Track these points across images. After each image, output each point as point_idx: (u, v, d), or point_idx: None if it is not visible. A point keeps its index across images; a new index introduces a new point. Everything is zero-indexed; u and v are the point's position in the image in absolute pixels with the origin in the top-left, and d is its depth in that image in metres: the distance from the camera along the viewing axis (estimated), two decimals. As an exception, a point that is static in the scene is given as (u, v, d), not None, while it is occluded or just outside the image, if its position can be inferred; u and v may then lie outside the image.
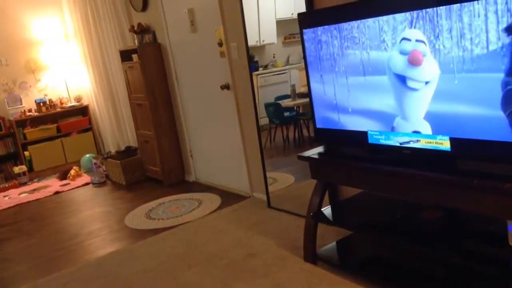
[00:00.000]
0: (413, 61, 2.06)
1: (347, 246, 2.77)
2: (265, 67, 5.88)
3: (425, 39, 1.98)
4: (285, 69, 5.74)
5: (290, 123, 5.36)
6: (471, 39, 1.81)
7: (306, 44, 2.60)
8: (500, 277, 2.12)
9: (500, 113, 1.78)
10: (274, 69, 5.80)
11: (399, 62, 2.11)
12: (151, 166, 5.01)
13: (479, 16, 1.76)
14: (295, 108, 5.33)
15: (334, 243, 2.79)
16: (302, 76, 6.39)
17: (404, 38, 2.06)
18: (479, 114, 1.86)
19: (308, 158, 2.62)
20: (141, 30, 4.77)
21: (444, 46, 1.91)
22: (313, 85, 2.64)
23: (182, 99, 4.72)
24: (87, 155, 5.88)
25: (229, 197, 4.11)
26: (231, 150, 4.18)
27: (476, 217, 2.21)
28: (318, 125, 2.67)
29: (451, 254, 2.02)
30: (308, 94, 2.71)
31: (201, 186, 4.64)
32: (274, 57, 6.19)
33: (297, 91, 5.62)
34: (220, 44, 3.94)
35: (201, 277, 2.73)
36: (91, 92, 6.40)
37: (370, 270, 2.45)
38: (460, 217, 2.26)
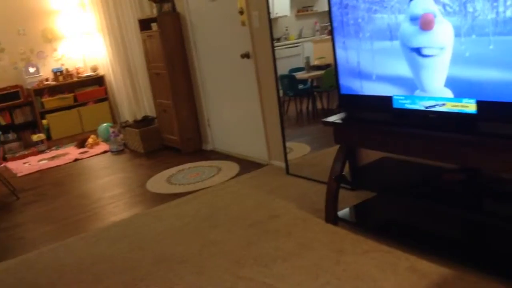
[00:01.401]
0: (425, 26, 2.10)
1: (366, 209, 2.86)
2: (278, 40, 5.88)
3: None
4: (299, 42, 5.76)
5: (304, 96, 5.41)
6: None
7: (333, 9, 2.63)
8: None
9: (528, 75, 1.83)
10: (288, 41, 5.82)
11: (410, 29, 2.15)
12: (169, 135, 5.10)
13: (511, -21, 1.79)
14: (309, 80, 5.37)
15: (353, 206, 2.88)
16: (316, 48, 6.41)
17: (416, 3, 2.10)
18: (503, 76, 1.91)
19: (333, 123, 2.68)
20: (160, -1, 4.79)
21: (456, 8, 1.95)
22: (338, 51, 2.68)
23: (201, 68, 4.77)
24: (104, 124, 5.97)
25: (247, 165, 4.20)
26: (249, 119, 4.25)
27: (499, 178, 2.28)
28: (343, 91, 2.73)
29: (474, 212, 2.10)
30: (334, 61, 2.75)
31: (219, 154, 4.73)
32: (287, 30, 6.18)
33: (310, 64, 5.65)
34: (241, 13, 3.96)
35: (226, 236, 2.83)
36: (108, 62, 6.45)
37: (389, 229, 2.54)
38: (482, 178, 2.33)
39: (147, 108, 5.81)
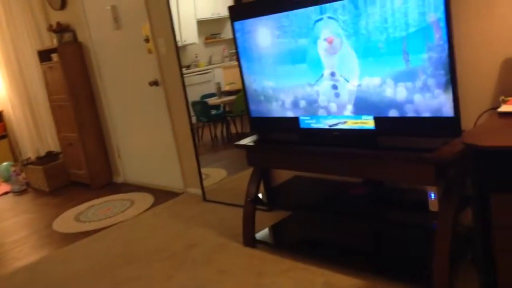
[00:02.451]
0: (330, 50, 2.22)
1: (282, 228, 2.90)
2: (188, 67, 5.91)
3: (339, 30, 2.15)
4: (208, 69, 5.81)
5: (217, 121, 5.44)
6: (382, 28, 2.01)
7: (237, 35, 2.69)
8: (423, 240, 2.36)
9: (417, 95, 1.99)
10: (197, 68, 5.85)
11: (317, 50, 2.27)
12: (76, 169, 4.84)
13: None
14: (222, 106, 5.42)
15: (270, 227, 2.91)
16: (226, 74, 6.52)
17: (319, 27, 2.22)
18: (396, 93, 2.06)
19: (245, 146, 2.71)
20: (61, 29, 4.61)
21: (357, 35, 2.10)
22: (245, 76, 2.74)
23: (108, 98, 4.61)
24: (4, 164, 5.52)
25: (162, 195, 4.09)
26: (162, 147, 4.17)
27: (399, 189, 2.43)
28: (253, 115, 2.78)
29: (379, 223, 2.21)
30: (242, 86, 2.80)
31: (131, 186, 4.57)
32: (196, 57, 6.23)
33: (222, 89, 5.72)
34: (147, 40, 3.92)
35: (142, 271, 2.71)
36: (5, 96, 6.02)
37: (305, 247, 2.60)
38: (385, 190, 2.47)
39: (51, 143, 5.48)
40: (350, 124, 2.30)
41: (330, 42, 2.24)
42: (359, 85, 2.19)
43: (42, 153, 5.47)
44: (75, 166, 4.83)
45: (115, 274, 2.75)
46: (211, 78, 5.93)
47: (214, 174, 4.12)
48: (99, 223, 3.67)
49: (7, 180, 5.35)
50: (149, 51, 3.93)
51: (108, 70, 4.49)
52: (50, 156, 5.07)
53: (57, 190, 4.87)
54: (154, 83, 3.96)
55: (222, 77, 5.92)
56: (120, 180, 4.76)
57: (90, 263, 2.95)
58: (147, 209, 3.79)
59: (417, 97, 2.01)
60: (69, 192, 4.72)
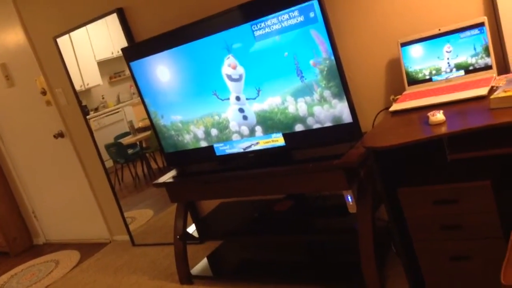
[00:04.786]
0: (233, 75, 2.29)
1: (217, 258, 2.89)
2: (96, 109, 5.75)
3: (238, 57, 2.23)
4: (118, 108, 5.69)
5: (136, 160, 5.32)
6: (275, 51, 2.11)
7: (136, 76, 2.68)
8: (352, 242, 2.46)
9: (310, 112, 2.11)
10: (106, 109, 5.70)
11: (220, 77, 2.33)
12: (-10, 239, 4.48)
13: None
14: (138, 143, 5.32)
15: (205, 259, 2.89)
16: (137, 111, 6.41)
17: (220, 55, 2.29)
18: (297, 108, 2.16)
19: (164, 184, 2.68)
20: None
21: (254, 61, 2.18)
22: (152, 114, 2.72)
23: (12, 158, 4.34)
24: None
25: (88, 248, 3.91)
26: (80, 199, 3.99)
27: (321, 196, 2.53)
28: (167, 150, 2.76)
29: (307, 234, 2.28)
30: (150, 124, 2.78)
31: (54, 245, 4.31)
32: (103, 98, 6.08)
33: (135, 127, 5.61)
34: (44, 93, 3.76)
35: (78, 334, 2.57)
36: None
37: (243, 272, 2.60)
38: (308, 200, 2.56)
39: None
40: (262, 144, 2.37)
41: (234, 68, 2.30)
42: (264, 106, 2.27)
43: None
44: (-12, 236, 4.47)
45: None
46: (122, 117, 5.80)
47: (140, 215, 4.01)
48: (24, 292, 3.42)
49: None
50: (48, 103, 3.78)
51: (9, 129, 4.24)
52: (-43, 230, 4.65)
53: (-29, 266, 4.46)
54: (59, 135, 3.80)
55: (133, 114, 5.82)
56: (41, 241, 4.48)
57: (19, 339, 2.73)
58: (74, 267, 3.60)
59: (317, 109, 2.12)
60: (-15, 265, 4.35)
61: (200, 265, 2.82)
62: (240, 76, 2.28)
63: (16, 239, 4.42)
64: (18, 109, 4.03)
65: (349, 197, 2.18)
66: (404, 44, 2.03)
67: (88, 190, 3.86)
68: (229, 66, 2.29)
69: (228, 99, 2.37)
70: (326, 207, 2.44)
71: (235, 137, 2.44)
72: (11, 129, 4.21)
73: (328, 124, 2.12)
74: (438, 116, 1.60)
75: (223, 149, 2.52)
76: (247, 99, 2.31)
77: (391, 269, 2.21)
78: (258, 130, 2.34)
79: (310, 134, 2.18)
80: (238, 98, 2.34)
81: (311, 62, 2.06)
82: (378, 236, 2.02)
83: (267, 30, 2.11)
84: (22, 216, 4.50)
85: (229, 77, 2.32)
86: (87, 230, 4.06)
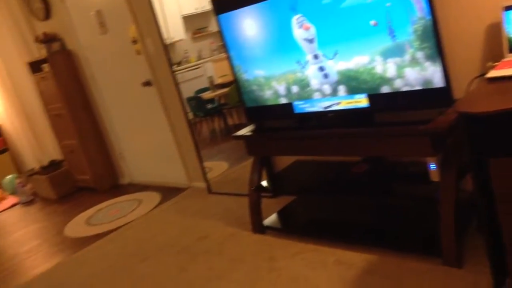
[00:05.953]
0: (309, 36, 2.26)
1: (288, 213, 2.95)
2: (179, 63, 5.91)
3: (319, 14, 2.18)
4: (199, 63, 5.82)
5: (214, 114, 5.47)
6: (365, 7, 2.04)
7: (224, 29, 2.72)
8: (429, 211, 2.41)
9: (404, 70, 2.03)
10: (189, 64, 5.86)
11: (297, 37, 2.30)
12: (81, 175, 4.89)
13: None
14: (216, 99, 5.45)
15: (276, 213, 2.97)
16: (217, 67, 6.51)
17: (296, 14, 2.25)
18: (386, 69, 2.10)
19: (243, 137, 2.76)
20: (48, 39, 4.61)
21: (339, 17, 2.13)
22: (236, 68, 2.77)
23: (104, 102, 4.65)
24: (9, 176, 5.58)
25: (168, 192, 4.15)
26: (163, 145, 4.21)
27: (400, 162, 2.48)
28: (248, 105, 2.81)
29: (383, 198, 2.26)
30: (234, 78, 2.83)
31: (137, 186, 4.62)
32: (186, 53, 6.23)
33: (215, 83, 5.74)
34: (135, 42, 3.94)
35: (157, 267, 2.78)
36: (1, 110, 6.05)
37: (313, 229, 2.65)
38: (386, 165, 2.52)
39: (52, 151, 5.52)
40: (344, 104, 2.34)
41: (307, 28, 2.27)
42: (349, 65, 2.22)
43: (45, 162, 5.52)
44: (80, 172, 4.88)
45: (131, 272, 2.81)
46: (202, 73, 5.95)
47: (216, 167, 4.17)
48: (110, 224, 3.73)
49: (13, 192, 5.41)
50: (138, 52, 3.95)
51: (101, 75, 4.51)
52: (54, 164, 5.12)
53: (65, 197, 4.93)
54: (147, 84, 3.99)
55: (214, 70, 5.94)
56: (126, 181, 4.82)
57: (105, 264, 3.01)
58: (155, 207, 3.85)
59: (407, 71, 2.05)
60: (77, 198, 4.78)
61: (272, 218, 2.91)
62: (314, 35, 2.24)
63: (103, 177, 4.79)
64: (110, 56, 4.26)
65: (432, 165, 2.12)
66: (508, 8, 1.88)
67: (171, 137, 4.06)
68: (302, 27, 2.26)
69: (307, 59, 2.36)
70: (404, 173, 2.39)
71: (316, 95, 2.43)
72: (103, 75, 4.48)
73: (418, 87, 2.04)
74: (543, 85, 1.49)
75: (302, 107, 2.52)
76: (329, 58, 2.27)
77: (469, 243, 2.15)
78: (341, 89, 2.32)
79: (397, 97, 2.12)
80: (317, 57, 2.32)
81: (404, 21, 1.97)
82: (459, 208, 1.96)
83: (361, -14, 2.04)
84: (110, 157, 4.85)
85: (306, 39, 2.29)
86: (168, 174, 4.30)
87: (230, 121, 5.49)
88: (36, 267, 3.31)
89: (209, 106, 5.38)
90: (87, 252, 3.31)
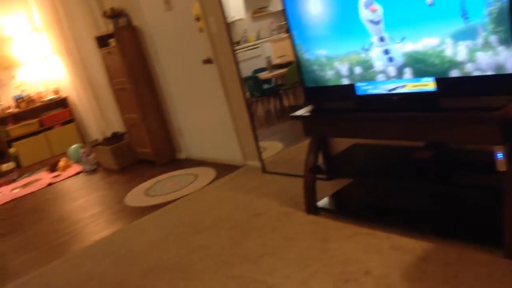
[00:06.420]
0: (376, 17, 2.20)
1: (344, 196, 2.94)
2: (238, 43, 5.94)
3: (403, -11, 2.11)
4: (258, 43, 5.83)
5: (270, 95, 5.49)
6: (446, -17, 1.96)
7: (287, 6, 2.70)
8: (492, 201, 2.33)
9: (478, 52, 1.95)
10: (247, 44, 5.87)
11: (366, 15, 2.25)
12: (141, 148, 5.08)
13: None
14: (273, 79, 5.45)
15: (331, 195, 2.96)
16: (276, 48, 6.49)
17: (383, -10, 2.19)
18: (456, 52, 2.02)
19: (301, 117, 2.76)
20: (115, 15, 4.78)
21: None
22: (298, 47, 2.76)
23: (165, 78, 4.78)
24: (74, 146, 5.90)
25: (223, 169, 4.23)
26: (220, 123, 4.28)
27: (465, 150, 2.40)
28: (308, 85, 2.80)
29: (445, 186, 2.20)
30: (294, 57, 2.82)
31: (193, 161, 4.75)
32: (245, 32, 6.25)
33: (272, 63, 5.73)
34: (198, 19, 4.00)
35: (212, 239, 2.87)
36: (69, 83, 6.37)
37: (368, 213, 2.63)
38: (450, 152, 2.45)
39: (115, 124, 5.77)
40: (410, 87, 2.28)
41: (374, 11, 2.22)
42: (417, 47, 2.16)
43: (108, 134, 5.78)
44: (140, 145, 5.08)
45: (187, 242, 2.92)
46: (260, 53, 5.96)
47: (271, 147, 4.20)
48: (167, 196, 3.88)
49: (78, 161, 5.71)
50: (201, 30, 4.01)
51: (163, 51, 4.63)
52: (116, 136, 5.35)
53: (125, 168, 5.15)
54: (208, 61, 4.05)
55: (272, 50, 5.93)
56: (183, 156, 4.96)
57: (163, 233, 3.14)
58: (210, 182, 3.95)
59: (479, 55, 1.96)
60: (136, 170, 4.99)
61: (326, 200, 2.91)
62: (381, 17, 2.18)
63: (162, 151, 4.96)
64: (174, 33, 4.36)
65: (500, 154, 2.03)
66: None
67: (228, 116, 4.12)
68: (368, 8, 2.20)
69: (372, 41, 2.30)
70: (469, 161, 2.31)
71: (380, 77, 2.38)
72: (165, 51, 4.59)
73: (489, 72, 1.95)
74: None
75: (365, 88, 2.48)
76: (396, 40, 2.21)
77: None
78: (407, 72, 2.25)
79: (467, 82, 2.04)
80: (382, 39, 2.26)
81: (479, 2, 1.88)
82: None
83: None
84: (169, 132, 5.00)
85: (372, 21, 2.23)
86: (223, 152, 4.38)
87: (285, 102, 5.49)
88: (98, 232, 3.50)
89: (266, 86, 5.40)
90: (146, 221, 3.47)
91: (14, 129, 6.19)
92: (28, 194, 5.10)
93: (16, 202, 4.94)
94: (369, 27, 2.30)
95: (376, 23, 2.28)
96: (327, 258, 2.33)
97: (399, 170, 2.46)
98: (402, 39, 2.19)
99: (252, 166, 4.06)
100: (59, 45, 6.15)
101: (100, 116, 6.09)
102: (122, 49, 4.67)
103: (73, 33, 5.79)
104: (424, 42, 2.13)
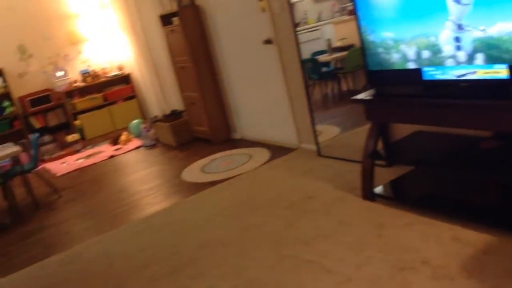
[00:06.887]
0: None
1: (403, 183, 2.87)
2: (297, 24, 5.85)
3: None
4: (318, 25, 5.73)
5: (328, 78, 5.40)
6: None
7: (356, -13, 2.64)
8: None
9: (562, 35, 1.81)
10: (307, 26, 5.79)
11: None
12: (199, 126, 5.19)
13: None
14: (332, 63, 5.36)
15: (389, 182, 2.90)
16: (337, 30, 6.36)
17: (459, -30, 2.08)
18: (540, 38, 1.89)
19: (362, 100, 2.70)
20: (179, -7, 4.86)
21: (502, -26, 1.93)
22: (362, 28, 2.69)
23: (224, 58, 4.82)
24: (135, 121, 6.11)
25: (277, 150, 4.25)
26: (276, 104, 4.28)
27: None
28: (371, 68, 2.74)
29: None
30: (360, 39, 2.76)
31: (248, 142, 4.79)
32: (305, 14, 6.16)
33: (333, 46, 5.62)
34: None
35: (265, 218, 2.90)
36: (133, 60, 6.57)
37: (428, 202, 2.55)
38: (519, 144, 2.32)
39: (175, 102, 5.91)
40: (481, 74, 2.17)
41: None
42: (491, 32, 2.05)
43: (167, 111, 5.94)
44: (198, 123, 5.18)
45: (241, 220, 2.97)
46: (320, 35, 5.86)
47: (327, 131, 4.15)
48: (222, 174, 3.95)
49: (138, 136, 5.93)
50: (263, 10, 4.00)
51: (224, 31, 4.66)
52: (175, 114, 5.49)
53: (183, 145, 5.29)
54: (268, 42, 4.04)
55: (333, 33, 5.81)
56: (238, 136, 5.02)
57: (218, 209, 3.21)
58: (265, 163, 3.98)
59: None
60: (194, 147, 5.11)
61: (384, 187, 2.85)
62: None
63: (219, 130, 5.04)
64: (235, 12, 4.37)
65: None
66: None
67: (285, 97, 4.11)
68: (462, -17, 2.09)
69: (446, 22, 2.20)
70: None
71: (449, 62, 2.28)
72: (226, 31, 4.62)
73: None
74: None
75: (432, 73, 2.39)
76: (468, 23, 2.10)
77: None
78: (479, 58, 2.15)
79: (546, 69, 1.92)
80: (457, 21, 2.15)
81: None
82: None
83: None
84: (226, 112, 5.07)
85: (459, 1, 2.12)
86: (278, 133, 4.39)
87: (344, 86, 5.39)
88: (155, 205, 3.63)
89: (324, 69, 5.32)
90: (201, 196, 3.55)
91: (79, 102, 6.50)
92: (91, 164, 5.36)
93: (79, 172, 5.21)
94: (452, 7, 2.18)
95: (465, 4, 2.14)
96: (382, 244, 2.30)
97: (463, 160, 2.37)
98: (479, 23, 2.08)
99: (307, 149, 4.04)
100: (125, 22, 6.34)
101: (161, 93, 6.26)
102: (185, 28, 4.75)
103: (139, 11, 5.95)
104: (499, 27, 2.01)
